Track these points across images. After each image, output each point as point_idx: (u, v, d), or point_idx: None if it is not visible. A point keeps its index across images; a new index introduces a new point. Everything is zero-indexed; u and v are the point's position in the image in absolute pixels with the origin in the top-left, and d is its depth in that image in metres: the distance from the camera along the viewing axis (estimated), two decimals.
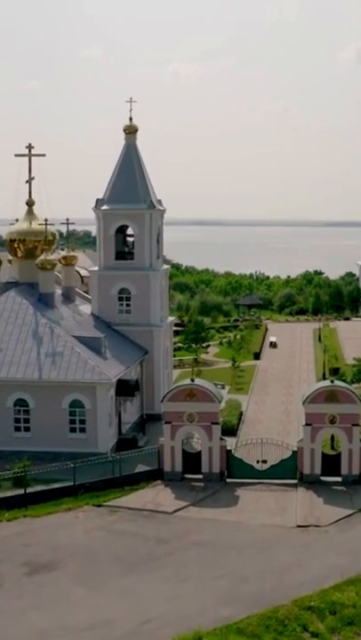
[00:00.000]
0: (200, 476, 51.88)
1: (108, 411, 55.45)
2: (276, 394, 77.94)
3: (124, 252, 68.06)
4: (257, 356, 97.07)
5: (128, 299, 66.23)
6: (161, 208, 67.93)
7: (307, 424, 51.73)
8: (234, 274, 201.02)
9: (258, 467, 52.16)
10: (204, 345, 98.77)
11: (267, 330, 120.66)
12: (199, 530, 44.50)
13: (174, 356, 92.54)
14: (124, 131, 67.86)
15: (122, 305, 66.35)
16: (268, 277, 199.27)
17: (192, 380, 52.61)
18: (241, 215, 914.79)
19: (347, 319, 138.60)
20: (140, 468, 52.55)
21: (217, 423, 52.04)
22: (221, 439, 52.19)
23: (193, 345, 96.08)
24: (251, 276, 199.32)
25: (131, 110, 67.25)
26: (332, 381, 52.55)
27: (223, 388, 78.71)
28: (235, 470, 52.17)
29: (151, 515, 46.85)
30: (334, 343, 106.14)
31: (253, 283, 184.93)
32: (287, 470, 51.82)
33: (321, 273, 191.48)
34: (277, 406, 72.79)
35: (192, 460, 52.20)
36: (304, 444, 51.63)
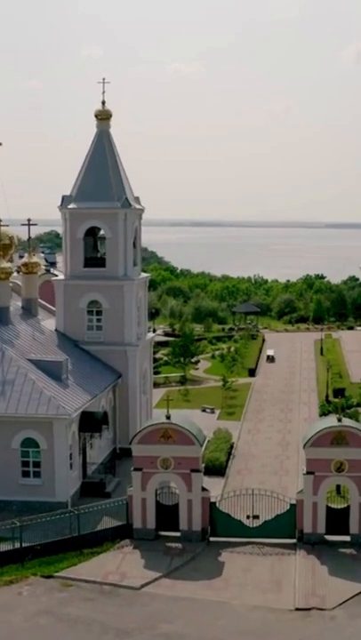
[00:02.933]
0: (178, 534, 42.47)
1: (67, 451, 45.91)
2: (272, 419, 68.32)
3: (94, 258, 58.22)
4: (252, 373, 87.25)
5: (99, 313, 56.59)
6: (138, 207, 58.27)
7: (308, 472, 42.22)
8: (231, 277, 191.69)
9: (248, 523, 42.70)
10: (193, 360, 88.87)
11: (264, 341, 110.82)
12: (171, 615, 35.14)
13: (160, 372, 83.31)
14: (96, 116, 58.13)
15: (91, 320, 56.74)
16: (266, 281, 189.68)
17: (167, 418, 42.93)
18: (240, 216, 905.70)
19: (351, 328, 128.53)
20: (106, 522, 43.19)
21: (198, 471, 42.52)
22: (204, 489, 42.68)
23: (181, 360, 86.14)
24: (249, 279, 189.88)
25: (103, 92, 57.70)
26: (339, 420, 42.74)
27: (213, 412, 69.56)
28: (220, 527, 42.80)
29: (113, 590, 37.58)
30: (338, 357, 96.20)
31: (251, 287, 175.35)
32: (284, 528, 42.50)
33: (322, 277, 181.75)
34: (274, 435, 63.26)
35: (168, 514, 42.79)
36: (305, 497, 42.19)
